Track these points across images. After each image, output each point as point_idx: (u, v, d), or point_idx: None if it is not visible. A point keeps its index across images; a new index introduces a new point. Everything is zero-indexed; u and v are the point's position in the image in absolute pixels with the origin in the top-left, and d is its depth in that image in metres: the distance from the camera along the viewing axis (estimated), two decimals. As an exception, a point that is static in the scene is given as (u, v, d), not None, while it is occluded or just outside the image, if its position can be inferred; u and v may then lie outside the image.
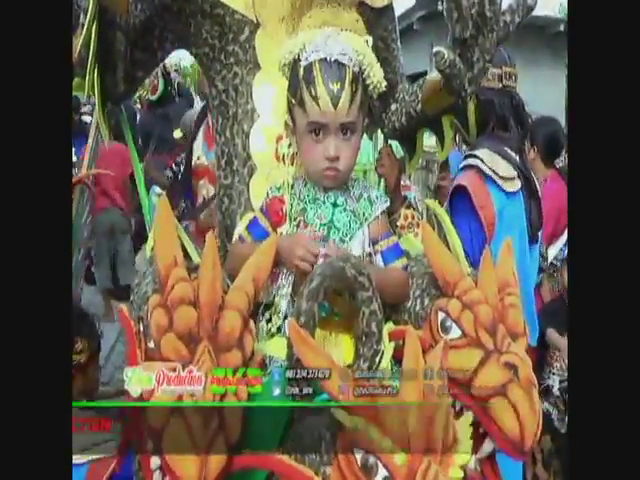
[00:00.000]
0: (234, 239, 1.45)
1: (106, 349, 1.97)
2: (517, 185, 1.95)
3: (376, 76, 1.30)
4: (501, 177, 1.92)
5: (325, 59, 1.25)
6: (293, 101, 1.31)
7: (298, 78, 1.28)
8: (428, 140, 2.15)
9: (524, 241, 2.02)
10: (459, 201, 1.93)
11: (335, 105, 1.24)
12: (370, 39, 1.29)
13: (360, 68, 1.28)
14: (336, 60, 1.25)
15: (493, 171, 1.91)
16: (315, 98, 1.25)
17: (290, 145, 1.47)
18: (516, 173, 1.96)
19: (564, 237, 2.97)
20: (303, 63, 1.27)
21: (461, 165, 1.99)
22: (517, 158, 2.00)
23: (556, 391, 2.84)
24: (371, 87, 1.32)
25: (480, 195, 1.89)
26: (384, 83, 1.33)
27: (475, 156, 1.94)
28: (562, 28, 9.42)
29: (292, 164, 1.50)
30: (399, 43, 1.92)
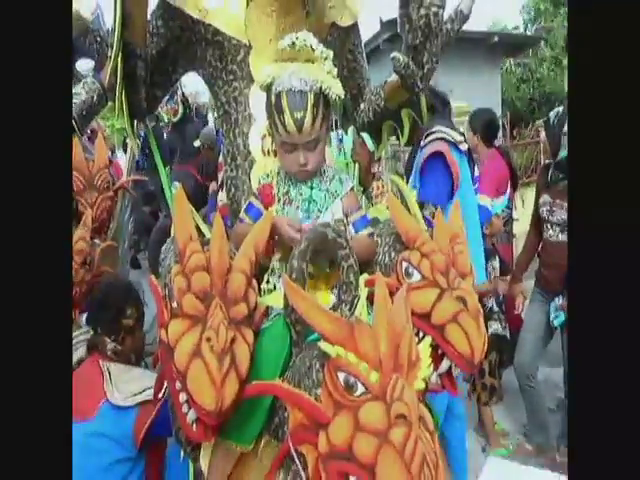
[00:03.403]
0: (237, 221, 1.45)
1: (150, 316, 1.95)
2: (466, 146, 2.05)
3: (335, 92, 1.28)
4: (457, 141, 1.99)
5: (290, 89, 1.23)
6: (270, 120, 1.30)
7: (271, 104, 1.27)
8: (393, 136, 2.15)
9: (471, 187, 2.13)
10: (432, 164, 1.97)
11: (300, 130, 1.24)
12: (331, 53, 1.27)
13: (320, 90, 1.25)
14: (299, 90, 1.23)
15: (452, 137, 1.97)
16: (284, 125, 1.24)
17: (273, 142, 1.46)
18: (462, 138, 2.04)
19: (503, 197, 3.00)
20: (274, 91, 1.26)
21: (427, 140, 2.01)
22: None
23: (495, 307, 2.87)
24: (332, 99, 1.29)
25: (450, 156, 1.94)
26: (342, 93, 1.30)
27: (437, 131, 1.99)
28: (495, 39, 9.42)
29: (275, 156, 1.49)
30: (364, 54, 1.91)
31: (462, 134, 2.09)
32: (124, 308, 1.85)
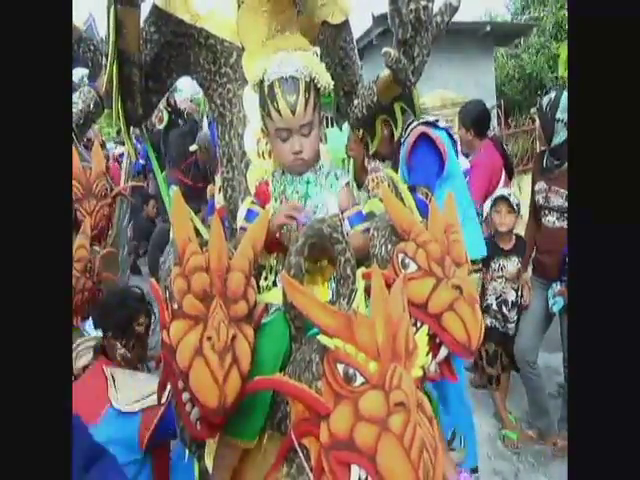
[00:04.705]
0: (238, 229, 1.46)
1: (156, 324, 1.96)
2: (443, 123, 2.19)
3: (324, 80, 1.30)
4: (434, 121, 2.13)
5: (282, 77, 1.26)
6: (263, 113, 1.32)
7: (264, 95, 1.29)
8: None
9: (457, 162, 2.22)
10: (416, 148, 2.07)
11: (293, 112, 1.26)
12: (318, 50, 1.29)
13: (310, 78, 1.28)
14: (291, 76, 1.26)
15: (432, 120, 2.12)
16: (278, 110, 1.26)
17: (267, 143, 1.48)
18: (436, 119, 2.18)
19: (498, 188, 3.01)
20: (266, 83, 1.28)
21: (413, 125, 2.12)
22: None
23: (494, 307, 2.87)
24: (322, 89, 1.32)
25: (432, 133, 2.04)
26: (332, 83, 1.33)
27: (413, 120, 2.12)
28: (488, 29, 9.40)
29: (270, 157, 1.51)
30: (357, 50, 1.91)
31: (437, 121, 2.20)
32: (138, 315, 1.87)
